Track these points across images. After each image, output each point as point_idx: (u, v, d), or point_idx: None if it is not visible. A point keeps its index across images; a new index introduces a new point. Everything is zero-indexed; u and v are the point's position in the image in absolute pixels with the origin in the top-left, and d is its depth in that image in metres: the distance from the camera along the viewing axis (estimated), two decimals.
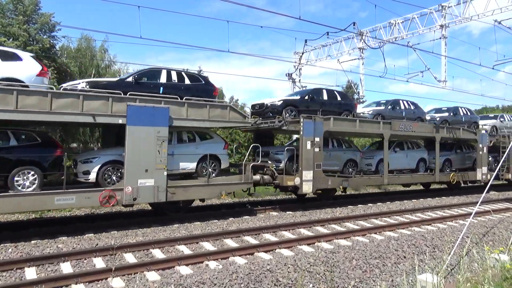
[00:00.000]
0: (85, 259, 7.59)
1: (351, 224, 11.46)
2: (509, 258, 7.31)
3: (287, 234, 10.03)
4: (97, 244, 8.52)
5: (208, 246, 8.74)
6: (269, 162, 13.81)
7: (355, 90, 30.11)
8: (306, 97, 14.96)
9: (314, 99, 14.98)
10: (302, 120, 13.06)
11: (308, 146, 13.04)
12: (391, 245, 8.94)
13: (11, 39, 22.14)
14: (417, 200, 16.78)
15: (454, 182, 18.46)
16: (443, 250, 8.78)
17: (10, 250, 8.02)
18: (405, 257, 8.43)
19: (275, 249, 8.54)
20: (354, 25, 18.11)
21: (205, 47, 77.01)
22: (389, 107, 17.43)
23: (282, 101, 14.41)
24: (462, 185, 21.13)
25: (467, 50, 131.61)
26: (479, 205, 10.02)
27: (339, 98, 15.77)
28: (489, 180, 10.45)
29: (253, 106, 15.30)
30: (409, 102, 18.58)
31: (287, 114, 13.89)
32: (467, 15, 19.33)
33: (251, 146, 14.18)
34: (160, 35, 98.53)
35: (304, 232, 10.37)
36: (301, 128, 13.04)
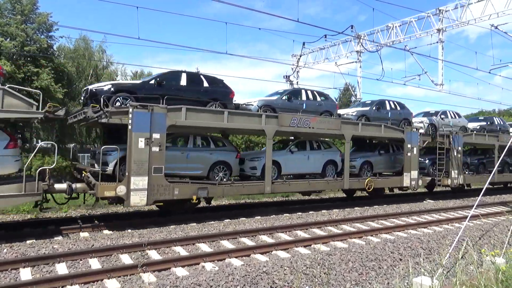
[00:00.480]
0: (81, 260, 7.56)
1: (348, 226, 11.48)
2: (505, 261, 7.34)
3: (284, 236, 10.03)
4: (93, 245, 8.49)
5: (204, 247, 8.73)
6: (96, 165, 10.94)
7: (353, 93, 30.20)
8: (152, 82, 11.67)
9: (164, 85, 11.67)
10: (131, 110, 10.12)
11: (141, 145, 10.22)
12: (387, 247, 8.96)
13: (8, 39, 22.10)
14: (414, 203, 16.82)
15: (370, 189, 15.58)
16: (439, 253, 8.82)
17: (5, 250, 7.97)
18: (401, 259, 8.45)
19: (272, 251, 8.54)
20: (351, 28, 18.25)
21: (203, 49, 77.37)
22: (284, 97, 14.23)
23: (111, 86, 11.32)
24: (388, 192, 18.68)
25: (464, 54, 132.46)
26: (475, 209, 10.07)
27: (205, 84, 12.44)
28: (485, 184, 10.38)
29: (82, 93, 12.48)
30: (316, 92, 15.54)
31: (118, 103, 10.83)
32: (464, 19, 19.50)
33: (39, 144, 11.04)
34: (158, 36, 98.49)
35: (301, 234, 10.37)
36: (130, 121, 10.13)
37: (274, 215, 12.91)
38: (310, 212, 13.78)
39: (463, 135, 18.95)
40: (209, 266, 7.39)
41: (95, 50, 30.17)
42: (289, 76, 27.30)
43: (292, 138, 15.91)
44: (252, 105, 13.49)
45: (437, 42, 20.47)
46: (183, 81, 12.12)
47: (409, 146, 16.49)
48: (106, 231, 10.11)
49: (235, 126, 12.24)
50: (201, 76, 12.68)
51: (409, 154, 16.50)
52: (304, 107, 14.36)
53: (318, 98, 15.23)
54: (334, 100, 15.74)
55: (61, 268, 7.08)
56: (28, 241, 8.77)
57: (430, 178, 18.10)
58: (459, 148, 18.40)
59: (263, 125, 12.59)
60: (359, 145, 18.28)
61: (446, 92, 22.06)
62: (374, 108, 17.08)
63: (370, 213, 13.84)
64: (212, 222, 11.57)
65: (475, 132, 20.42)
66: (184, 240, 9.01)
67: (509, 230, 10.60)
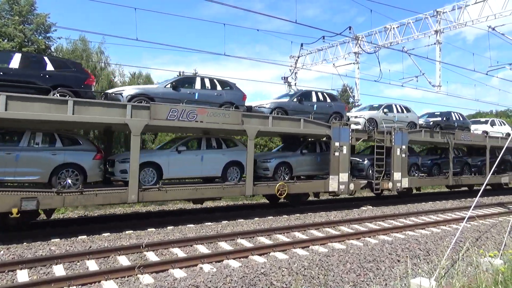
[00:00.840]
0: (78, 262, 7.54)
1: (345, 228, 11.48)
2: (502, 262, 7.36)
3: (282, 237, 10.02)
4: (90, 247, 8.46)
5: (202, 249, 8.72)
6: None
7: (351, 94, 30.26)
8: None
9: None
10: None
11: None
12: (385, 248, 8.97)
13: (6, 40, 22.08)
14: (412, 204, 16.85)
15: (283, 196, 13.11)
16: (436, 254, 8.84)
17: (2, 252, 7.94)
18: (399, 261, 8.46)
19: (270, 252, 8.53)
20: (349, 29, 18.25)
21: (201, 50, 77.31)
22: (168, 85, 11.93)
23: None
24: (313, 198, 16.60)
25: (462, 55, 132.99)
26: (472, 210, 10.09)
27: (50, 68, 10.24)
28: (483, 185, 10.34)
29: None
30: (216, 81, 13.08)
31: None
32: (462, 21, 19.53)
33: None
34: (157, 37, 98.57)
35: (299, 235, 10.37)
36: None
37: (272, 217, 12.91)
38: (308, 213, 13.76)
39: (408, 132, 16.86)
40: (207, 267, 7.38)
41: (93, 51, 30.18)
42: (287, 78, 27.31)
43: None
44: (124, 95, 11.12)
45: (434, 44, 20.48)
46: (15, 63, 9.88)
47: (337, 144, 14.22)
48: (103, 233, 10.07)
49: (84, 119, 9.80)
50: (45, 58, 10.66)
51: (336, 153, 14.20)
52: (196, 97, 12.19)
53: (219, 87, 12.93)
54: (242, 90, 13.54)
55: (59, 270, 7.06)
56: (25, 243, 8.73)
57: (365, 182, 15.78)
58: (403, 147, 16.34)
59: (127, 118, 10.30)
60: (292, 143, 15.89)
61: (443, 94, 22.02)
62: (294, 99, 14.60)
63: (368, 214, 13.85)
64: (210, 223, 11.56)
65: (424, 128, 18.28)
66: (182, 241, 8.99)
67: (506, 231, 10.64)
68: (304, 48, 24.59)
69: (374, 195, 17.97)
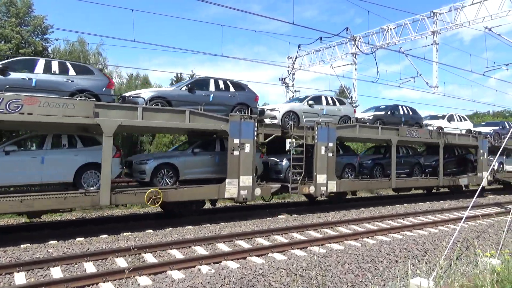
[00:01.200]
0: (76, 264, 7.52)
1: (344, 229, 11.48)
2: (500, 262, 7.38)
3: (280, 238, 10.02)
4: (88, 249, 8.44)
5: (200, 250, 8.71)
6: None
7: (348, 95, 30.32)
8: None
9: None
10: None
11: None
12: (383, 249, 8.99)
13: (3, 41, 22.06)
14: (409, 205, 16.88)
15: (156, 205, 10.63)
16: (435, 254, 8.86)
17: None
18: (397, 261, 8.48)
19: (268, 253, 8.52)
20: (347, 30, 18.27)
21: (198, 51, 77.07)
22: (21, 69, 9.77)
23: None
24: (210, 206, 14.17)
25: (459, 56, 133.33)
26: (470, 210, 10.12)
27: None
28: (480, 185, 10.38)
29: None
30: (70, 64, 10.66)
31: None
32: (458, 21, 19.63)
33: None
34: (154, 38, 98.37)
35: (297, 236, 10.37)
36: None
37: (270, 218, 12.91)
38: (306, 214, 13.78)
39: (336, 128, 14.46)
40: (205, 269, 7.37)
41: (91, 53, 30.23)
42: (284, 79, 27.36)
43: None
44: None
45: (431, 44, 20.59)
46: None
47: (236, 141, 11.91)
48: (101, 235, 10.04)
49: None
50: None
51: (236, 152, 11.88)
52: (33, 84, 9.64)
53: (72, 73, 10.36)
54: (107, 77, 11.11)
55: (56, 272, 7.03)
56: (22, 245, 8.70)
57: (279, 185, 13.34)
58: (330, 145, 14.03)
59: None
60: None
61: (441, 94, 22.10)
62: (183, 88, 12.22)
63: (366, 215, 13.86)
64: (208, 225, 11.54)
65: (360, 123, 15.86)
66: (180, 243, 8.97)
67: (503, 231, 10.68)
68: (302, 49, 24.61)
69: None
